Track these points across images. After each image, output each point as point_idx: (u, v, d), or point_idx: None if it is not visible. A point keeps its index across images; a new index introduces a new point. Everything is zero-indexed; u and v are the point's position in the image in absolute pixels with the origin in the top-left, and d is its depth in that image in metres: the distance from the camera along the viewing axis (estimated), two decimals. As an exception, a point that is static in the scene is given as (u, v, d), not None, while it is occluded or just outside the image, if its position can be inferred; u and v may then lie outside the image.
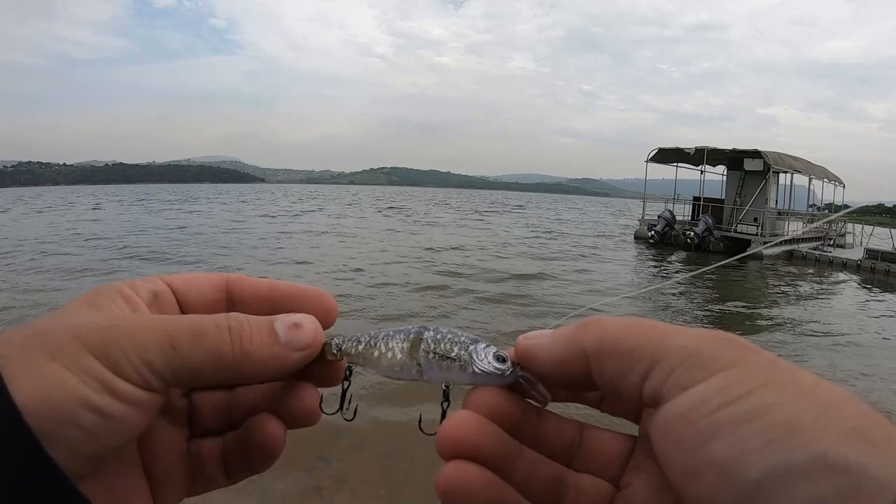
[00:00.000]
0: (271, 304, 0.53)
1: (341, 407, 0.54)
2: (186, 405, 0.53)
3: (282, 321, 0.47)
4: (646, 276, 19.31)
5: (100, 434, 0.38)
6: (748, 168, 27.37)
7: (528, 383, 0.46)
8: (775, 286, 18.44)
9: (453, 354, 0.47)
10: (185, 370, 0.42)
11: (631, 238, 32.29)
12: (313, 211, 48.98)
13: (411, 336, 0.49)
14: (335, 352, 0.51)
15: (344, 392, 0.54)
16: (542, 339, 0.45)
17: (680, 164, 32.41)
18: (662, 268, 21.78)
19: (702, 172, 30.77)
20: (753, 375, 0.35)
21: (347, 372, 0.53)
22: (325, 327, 0.51)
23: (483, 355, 0.46)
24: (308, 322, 0.48)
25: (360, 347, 0.51)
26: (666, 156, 31.50)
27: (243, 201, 67.81)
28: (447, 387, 0.49)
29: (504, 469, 0.44)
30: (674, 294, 15.67)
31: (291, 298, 0.54)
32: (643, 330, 0.40)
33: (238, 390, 0.54)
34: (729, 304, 14.60)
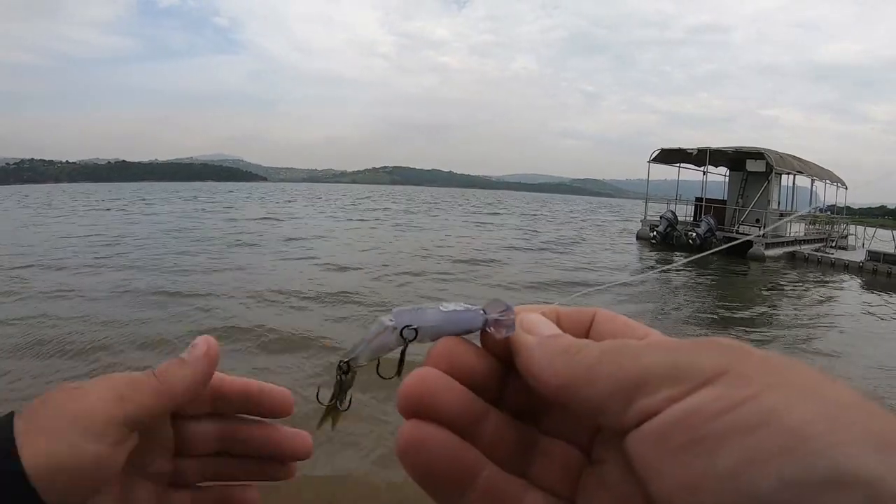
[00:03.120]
0: (246, 399, 0.62)
1: (338, 399, 0.53)
2: (173, 435, 0.60)
3: (184, 352, 0.58)
4: (646, 277, 19.28)
5: (75, 484, 0.49)
6: (751, 169, 27.33)
7: (502, 327, 0.44)
8: (776, 287, 18.41)
9: (422, 305, 0.46)
10: (135, 411, 0.52)
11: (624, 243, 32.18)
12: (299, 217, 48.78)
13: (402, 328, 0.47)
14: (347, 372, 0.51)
15: (341, 383, 0.52)
16: (532, 340, 0.42)
17: (682, 165, 32.35)
18: (663, 268, 21.76)
19: (704, 173, 30.82)
20: (753, 378, 0.32)
21: (345, 365, 0.51)
22: (283, 415, 0.62)
23: (452, 304, 0.46)
24: (200, 340, 0.58)
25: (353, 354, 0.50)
26: (668, 156, 31.49)
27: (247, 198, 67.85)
28: (408, 329, 0.46)
29: (469, 431, 0.42)
30: (673, 293, 15.67)
31: (261, 392, 0.62)
32: (619, 353, 0.38)
33: (237, 428, 0.62)
34: (729, 304, 14.56)
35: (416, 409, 0.40)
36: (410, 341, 0.46)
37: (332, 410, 0.54)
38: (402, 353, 0.48)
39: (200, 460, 0.61)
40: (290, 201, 65.06)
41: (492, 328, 0.45)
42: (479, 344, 0.46)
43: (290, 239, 23.83)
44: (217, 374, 0.60)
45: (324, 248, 21.78)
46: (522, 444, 0.44)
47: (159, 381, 0.54)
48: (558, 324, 0.45)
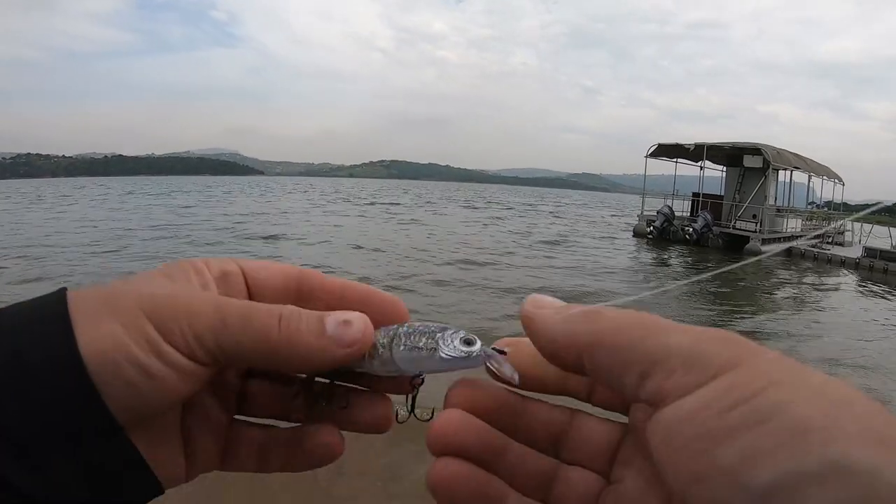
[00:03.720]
0: (341, 304, 0.52)
1: (411, 412, 0.53)
2: (239, 387, 0.54)
3: (333, 317, 0.47)
4: (644, 272, 19.23)
5: (144, 392, 0.41)
6: (748, 164, 27.34)
7: (494, 363, 0.47)
8: (773, 282, 18.46)
9: (421, 344, 0.47)
10: (230, 347, 0.44)
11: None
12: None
13: (390, 333, 0.49)
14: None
15: (414, 398, 0.53)
16: (547, 311, 0.44)
17: (679, 160, 32.39)
18: (661, 264, 21.77)
19: (701, 168, 30.69)
20: (760, 375, 0.33)
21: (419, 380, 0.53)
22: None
23: (449, 341, 0.47)
24: (358, 320, 0.47)
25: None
26: (666, 151, 31.54)
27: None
28: (416, 377, 0.50)
29: (491, 462, 0.45)
30: (672, 287, 15.69)
31: (364, 301, 0.53)
32: (644, 325, 0.39)
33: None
34: (725, 299, 14.62)
35: (444, 448, 0.44)
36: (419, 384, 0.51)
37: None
38: (413, 398, 0.52)
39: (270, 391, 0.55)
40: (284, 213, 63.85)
41: (491, 365, 0.47)
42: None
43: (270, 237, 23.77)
44: (313, 273, 0.55)
45: (310, 251, 21.70)
46: (542, 472, 0.47)
47: (280, 333, 0.45)
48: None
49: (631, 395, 0.38)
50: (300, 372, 0.52)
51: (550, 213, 53.03)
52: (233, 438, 0.53)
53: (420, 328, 0.49)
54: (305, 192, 76.96)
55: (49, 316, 0.41)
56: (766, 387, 0.32)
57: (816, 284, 18.95)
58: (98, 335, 0.40)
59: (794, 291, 16.93)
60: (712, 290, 16.05)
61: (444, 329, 0.48)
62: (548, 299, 0.46)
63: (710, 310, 13.36)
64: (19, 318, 0.41)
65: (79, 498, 0.41)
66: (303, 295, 0.53)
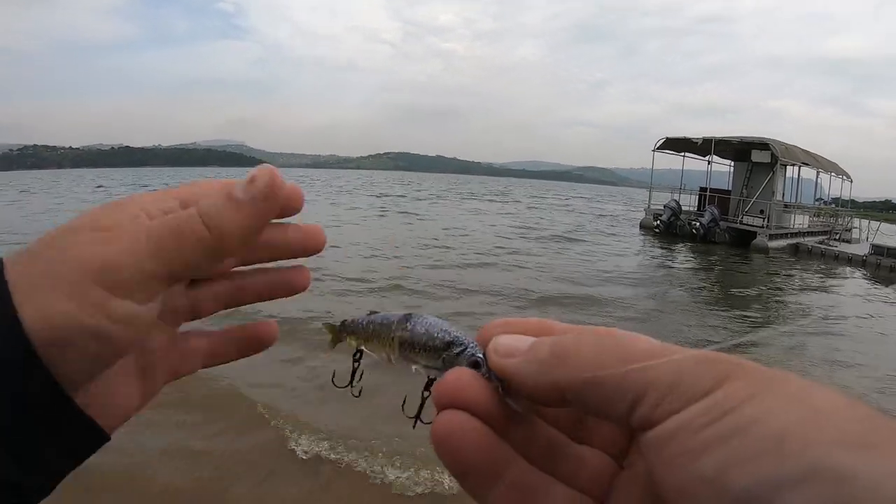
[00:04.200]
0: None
1: (351, 383, 0.60)
2: (187, 304, 0.55)
3: (237, 184, 0.47)
4: (649, 266, 19.11)
5: (96, 352, 0.42)
6: (755, 160, 27.15)
7: (502, 391, 0.44)
8: (779, 279, 18.40)
9: (431, 363, 0.48)
10: (179, 266, 0.45)
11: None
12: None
13: (398, 334, 0.50)
14: (343, 332, 0.60)
15: (354, 371, 0.60)
16: (516, 362, 0.43)
17: (687, 155, 32.19)
18: (667, 258, 21.67)
19: (709, 163, 30.70)
20: (738, 392, 0.34)
21: (357, 354, 0.58)
22: (314, 251, 0.56)
23: (457, 363, 0.46)
24: (259, 171, 0.48)
25: (361, 334, 0.56)
26: (673, 145, 31.46)
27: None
28: (431, 379, 0.49)
29: (500, 428, 0.43)
30: (676, 282, 15.59)
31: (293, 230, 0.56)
32: (620, 357, 0.38)
33: (244, 280, 0.58)
34: (731, 295, 14.61)
35: (451, 401, 0.42)
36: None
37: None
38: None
39: (214, 292, 0.57)
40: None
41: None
42: None
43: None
44: None
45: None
46: (553, 446, 0.46)
47: (208, 230, 0.45)
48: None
49: (621, 424, 0.38)
50: (243, 252, 0.54)
51: (558, 206, 52.72)
52: (183, 352, 0.56)
53: (425, 336, 0.48)
54: (312, 185, 76.82)
55: None
56: (743, 402, 0.33)
57: (823, 281, 18.82)
58: (40, 307, 0.40)
59: (801, 288, 16.84)
60: (717, 285, 15.97)
61: (450, 344, 0.47)
62: (512, 344, 0.44)
63: (713, 305, 13.28)
64: None
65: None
66: None
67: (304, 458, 5.35)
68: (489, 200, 56.50)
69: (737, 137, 27.64)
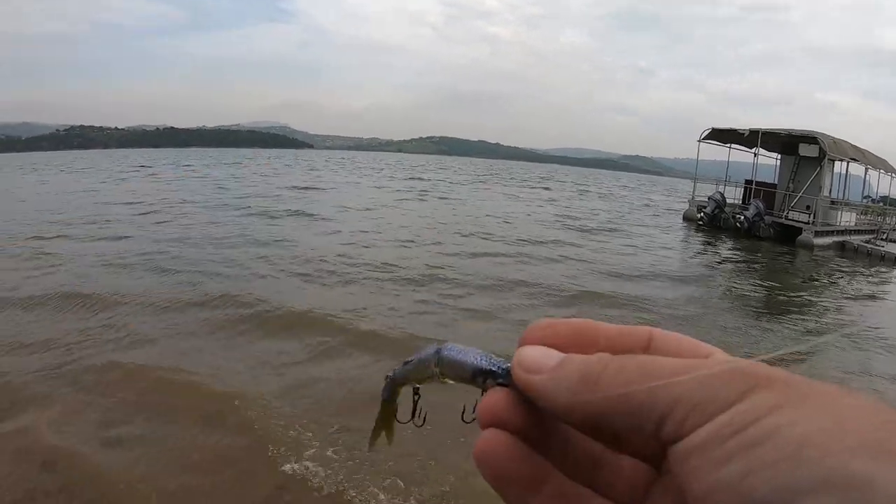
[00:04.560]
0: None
1: (413, 417, 0.65)
2: None
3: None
4: (692, 262, 18.95)
5: None
6: (803, 153, 26.71)
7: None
8: (823, 277, 18.17)
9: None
10: None
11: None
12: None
13: (434, 370, 0.55)
14: (395, 387, 0.63)
15: (415, 405, 0.64)
16: (542, 378, 0.44)
17: (733, 146, 31.74)
18: (710, 253, 21.48)
19: (755, 155, 30.30)
20: (766, 401, 0.35)
21: (416, 394, 0.63)
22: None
23: (487, 387, 0.49)
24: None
25: (408, 380, 0.61)
26: (719, 136, 31.07)
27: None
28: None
29: (538, 443, 0.46)
30: (721, 278, 15.48)
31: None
32: (648, 375, 0.40)
33: None
34: (775, 291, 14.48)
35: (492, 421, 0.45)
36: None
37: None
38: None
39: None
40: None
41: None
42: None
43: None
44: None
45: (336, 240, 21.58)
46: (590, 458, 0.48)
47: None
48: (601, 348, 0.46)
49: (651, 438, 0.40)
50: None
51: (600, 195, 52.33)
52: None
53: (459, 366, 0.53)
54: (355, 168, 77.03)
55: None
56: (769, 411, 0.35)
57: (869, 282, 18.51)
58: None
59: (846, 290, 16.46)
60: (760, 278, 15.81)
61: (477, 373, 0.50)
62: (538, 359, 0.46)
63: (757, 301, 13.17)
64: None
65: None
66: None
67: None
68: (531, 187, 56.32)
69: (784, 130, 27.13)
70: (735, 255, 20.73)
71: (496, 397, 0.46)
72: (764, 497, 0.32)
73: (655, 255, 18.44)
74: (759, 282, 15.51)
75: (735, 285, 14.73)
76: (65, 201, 25.78)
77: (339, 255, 14.22)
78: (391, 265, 13.29)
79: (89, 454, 5.34)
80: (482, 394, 0.49)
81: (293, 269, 12.88)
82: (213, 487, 4.91)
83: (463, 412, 0.57)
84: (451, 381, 0.54)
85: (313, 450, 5.41)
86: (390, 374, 0.62)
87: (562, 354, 0.45)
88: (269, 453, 5.35)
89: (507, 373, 0.47)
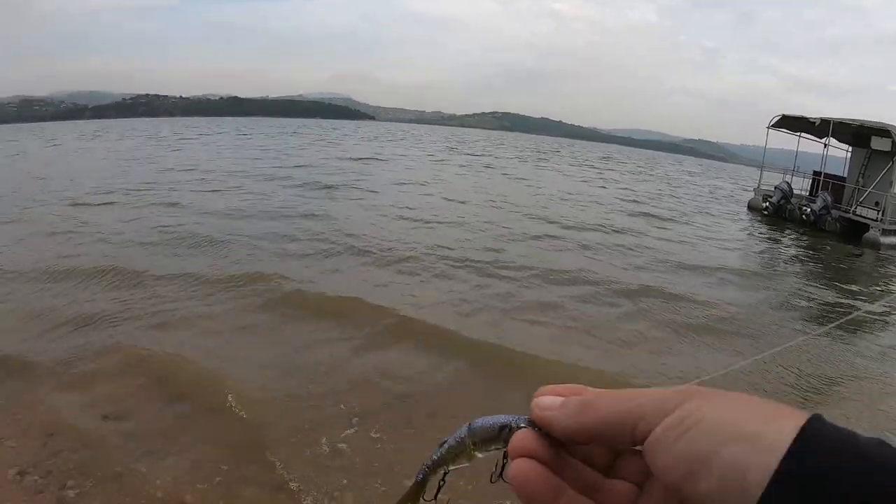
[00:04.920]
0: None
1: (436, 497, 0.74)
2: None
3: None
4: (755, 258, 18.53)
5: None
6: (875, 147, 25.63)
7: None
8: (889, 279, 17.65)
9: (498, 445, 0.66)
10: None
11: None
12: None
13: (469, 442, 0.68)
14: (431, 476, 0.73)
15: (440, 487, 0.72)
16: (553, 411, 0.62)
17: (802, 135, 30.89)
18: (773, 246, 21.18)
19: (825, 146, 29.56)
20: (693, 405, 0.52)
21: (443, 479, 0.72)
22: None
23: (513, 434, 0.64)
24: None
25: (446, 462, 0.71)
26: (789, 124, 30.30)
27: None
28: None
29: (555, 466, 0.62)
30: (781, 275, 15.25)
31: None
32: (623, 403, 0.58)
33: None
34: (837, 290, 14.17)
35: (521, 452, 0.62)
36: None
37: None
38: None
39: None
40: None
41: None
42: None
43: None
44: None
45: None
46: (593, 481, 0.64)
47: None
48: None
49: (632, 444, 0.57)
50: None
51: (664, 179, 51.28)
52: None
53: (488, 431, 0.67)
54: (418, 141, 76.83)
55: None
56: (694, 412, 0.52)
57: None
58: None
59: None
60: (822, 276, 15.51)
61: (502, 428, 0.66)
62: (549, 402, 0.63)
63: (816, 300, 12.94)
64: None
65: None
66: None
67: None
68: (593, 167, 55.82)
69: (857, 121, 26.23)
70: (800, 252, 19.97)
71: (522, 434, 0.63)
72: (694, 462, 0.49)
73: (718, 246, 18.24)
74: (820, 286, 14.72)
75: (797, 289, 13.87)
76: (121, 168, 26.60)
77: (392, 234, 14.51)
78: (444, 247, 13.40)
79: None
80: (504, 456, 0.65)
81: (341, 246, 13.03)
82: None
83: (492, 473, 0.68)
84: (480, 455, 0.69)
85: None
86: (428, 462, 0.72)
87: (564, 397, 0.63)
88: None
89: (527, 420, 0.64)
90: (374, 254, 12.56)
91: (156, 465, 5.10)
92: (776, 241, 22.18)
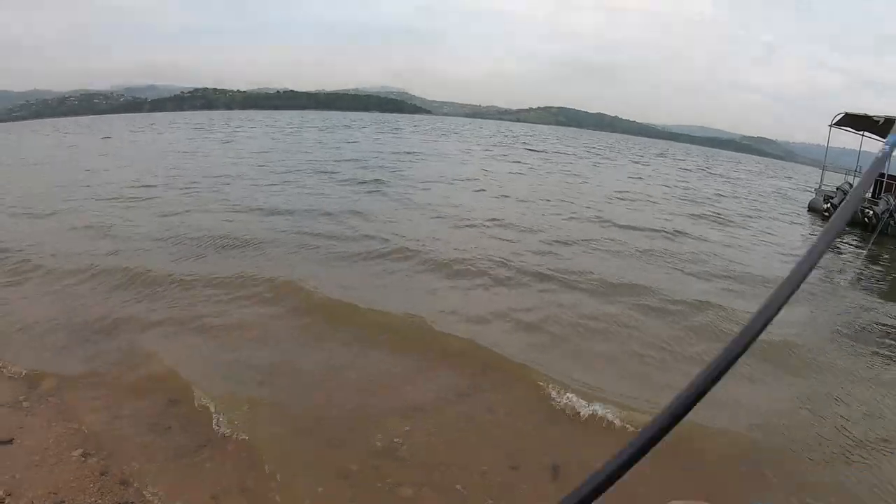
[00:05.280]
0: None
1: None
2: None
3: None
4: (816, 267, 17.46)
5: None
6: None
7: None
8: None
9: None
10: None
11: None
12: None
13: None
14: None
15: None
16: None
17: (866, 134, 30.15)
18: (834, 253, 20.20)
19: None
20: None
21: None
22: None
23: None
24: None
25: None
26: (852, 122, 29.59)
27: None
28: None
29: None
30: (839, 290, 14.42)
31: None
32: None
33: None
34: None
35: None
36: None
37: None
38: None
39: None
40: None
41: None
42: None
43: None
44: None
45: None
46: None
47: None
48: None
49: None
50: None
51: (724, 179, 50.03)
52: None
53: None
54: (470, 135, 76.51)
55: None
56: None
57: None
58: None
59: None
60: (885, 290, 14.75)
61: None
62: None
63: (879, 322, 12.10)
64: None
65: None
66: None
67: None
68: (652, 166, 54.80)
69: (923, 121, 25.10)
70: (865, 260, 18.90)
71: None
72: None
73: (778, 251, 17.59)
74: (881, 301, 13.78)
75: (855, 303, 12.83)
76: (170, 162, 26.85)
77: (438, 237, 14.12)
78: (496, 252, 12.87)
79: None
80: None
81: (382, 252, 12.52)
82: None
83: None
84: None
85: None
86: None
87: None
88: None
89: None
90: (429, 259, 12.12)
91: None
92: (835, 249, 21.10)
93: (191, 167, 25.32)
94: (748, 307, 10.56)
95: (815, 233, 23.78)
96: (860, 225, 25.20)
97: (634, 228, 17.59)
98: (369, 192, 20.23)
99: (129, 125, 76.80)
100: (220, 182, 20.98)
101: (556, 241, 14.71)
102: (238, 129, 60.04)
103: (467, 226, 15.71)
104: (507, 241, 14.11)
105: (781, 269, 14.51)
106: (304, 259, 11.73)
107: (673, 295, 10.97)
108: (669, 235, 17.40)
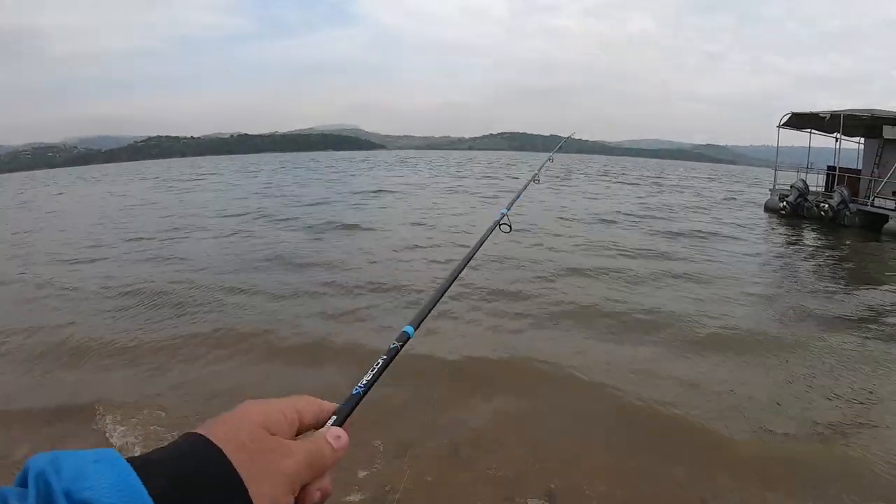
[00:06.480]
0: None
1: None
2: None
3: (330, 435, 0.75)
4: (775, 258, 17.91)
5: None
6: (888, 136, 25.36)
7: None
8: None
9: None
10: (309, 478, 0.70)
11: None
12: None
13: None
14: None
15: None
16: None
17: (814, 131, 30.86)
18: (795, 245, 20.67)
19: (837, 140, 29.22)
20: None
21: None
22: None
23: None
24: (345, 436, 0.76)
25: None
26: (799, 121, 30.14)
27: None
28: None
29: None
30: (796, 273, 14.77)
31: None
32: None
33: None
34: (862, 286, 13.61)
35: None
36: None
37: None
38: None
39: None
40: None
41: None
42: None
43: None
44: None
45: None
46: None
47: (333, 455, 0.73)
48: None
49: None
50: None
51: (680, 189, 50.15)
52: None
53: None
54: (425, 167, 76.34)
55: (217, 476, 0.60)
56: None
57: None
58: (268, 499, 0.63)
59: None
60: (844, 272, 15.11)
61: None
62: None
63: (833, 298, 12.44)
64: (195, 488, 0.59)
65: None
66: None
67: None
68: (602, 180, 55.12)
69: (867, 112, 26.03)
70: (820, 251, 18.86)
71: None
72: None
73: (741, 262, 17.36)
74: (839, 268, 13.86)
75: (812, 273, 13.17)
76: (122, 218, 26.12)
77: (409, 271, 13.79)
78: (470, 283, 11.92)
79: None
80: None
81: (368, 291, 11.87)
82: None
83: None
84: None
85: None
86: None
87: None
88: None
89: None
90: (398, 294, 11.54)
91: None
92: (795, 245, 21.16)
93: (143, 222, 24.54)
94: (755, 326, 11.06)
95: (772, 230, 24.30)
96: (817, 219, 25.84)
97: (623, 253, 17.70)
98: (336, 237, 19.53)
99: (85, 177, 74.51)
100: (179, 235, 20.44)
101: (523, 272, 14.68)
102: (195, 178, 59.00)
103: (431, 259, 15.51)
104: (476, 274, 13.63)
105: (751, 277, 15.16)
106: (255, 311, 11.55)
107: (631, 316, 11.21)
108: (652, 258, 17.65)
